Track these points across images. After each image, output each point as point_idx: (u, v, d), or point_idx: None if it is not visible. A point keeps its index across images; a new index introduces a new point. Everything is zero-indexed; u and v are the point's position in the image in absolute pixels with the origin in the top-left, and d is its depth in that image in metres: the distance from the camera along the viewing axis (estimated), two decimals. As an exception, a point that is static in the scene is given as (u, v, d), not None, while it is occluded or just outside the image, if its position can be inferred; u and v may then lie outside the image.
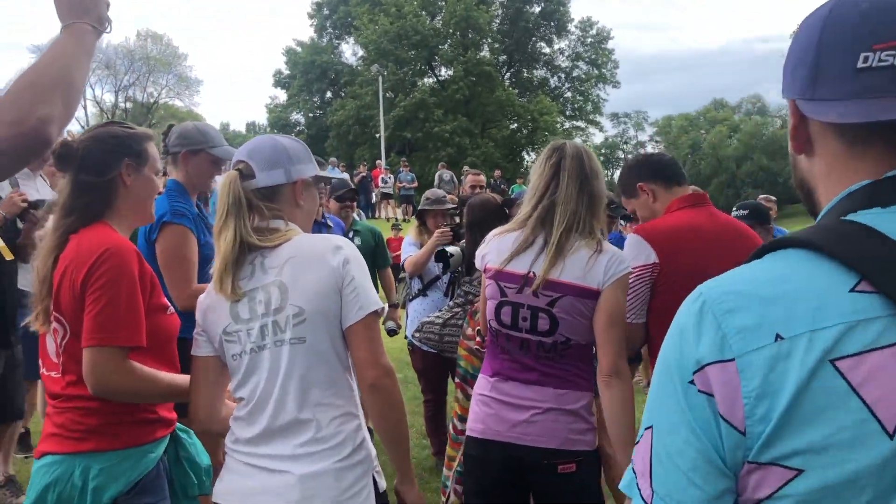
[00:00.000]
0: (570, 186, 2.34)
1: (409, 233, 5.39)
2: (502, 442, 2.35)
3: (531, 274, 2.33)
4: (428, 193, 5.50)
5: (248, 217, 1.88)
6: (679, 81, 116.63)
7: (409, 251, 5.23)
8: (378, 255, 5.44)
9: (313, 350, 1.82)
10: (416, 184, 23.28)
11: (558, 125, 46.23)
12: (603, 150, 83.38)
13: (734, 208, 7.64)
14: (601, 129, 62.83)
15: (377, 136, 39.41)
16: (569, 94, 50.59)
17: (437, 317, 4.14)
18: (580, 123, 51.64)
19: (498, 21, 47.54)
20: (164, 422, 2.14)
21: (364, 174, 23.02)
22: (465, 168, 19.77)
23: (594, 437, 2.42)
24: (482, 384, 2.48)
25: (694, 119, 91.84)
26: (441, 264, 4.49)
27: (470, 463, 2.48)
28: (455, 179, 24.86)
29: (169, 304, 2.17)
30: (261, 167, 1.93)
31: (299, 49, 47.33)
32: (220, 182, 1.91)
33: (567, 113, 50.05)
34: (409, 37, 42.86)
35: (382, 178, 22.67)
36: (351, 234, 5.22)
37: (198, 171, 3.31)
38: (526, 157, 48.15)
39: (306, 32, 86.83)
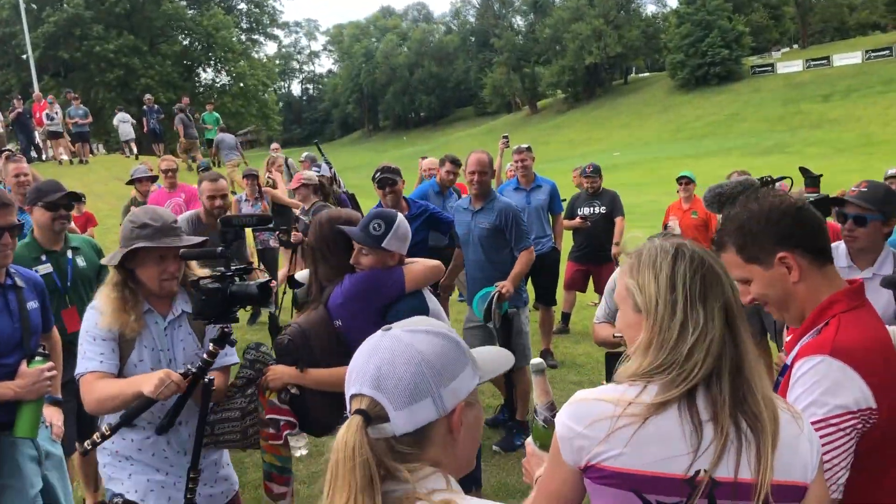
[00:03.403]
0: (748, 342, 1.52)
1: (98, 303, 2.71)
2: None
3: (700, 475, 1.43)
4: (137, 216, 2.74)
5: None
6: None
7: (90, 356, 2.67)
8: (103, 276, 4.41)
9: None
10: (90, 119, 20.52)
11: (234, 38, 43.54)
12: (277, 62, 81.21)
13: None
14: (278, 41, 60.83)
15: (24, 56, 33.97)
16: (243, 6, 47.74)
17: (229, 407, 2.99)
18: (257, 37, 49.23)
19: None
20: None
21: (20, 110, 19.68)
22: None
23: None
24: None
25: (364, 27, 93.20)
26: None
27: None
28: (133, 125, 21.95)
29: None
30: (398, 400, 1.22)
31: None
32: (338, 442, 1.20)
33: (243, 25, 47.33)
34: (48, -61, 36.96)
35: (47, 114, 19.54)
36: (70, 254, 4.17)
37: None
38: (203, 74, 45.08)
39: None
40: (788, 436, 1.45)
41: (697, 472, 1.41)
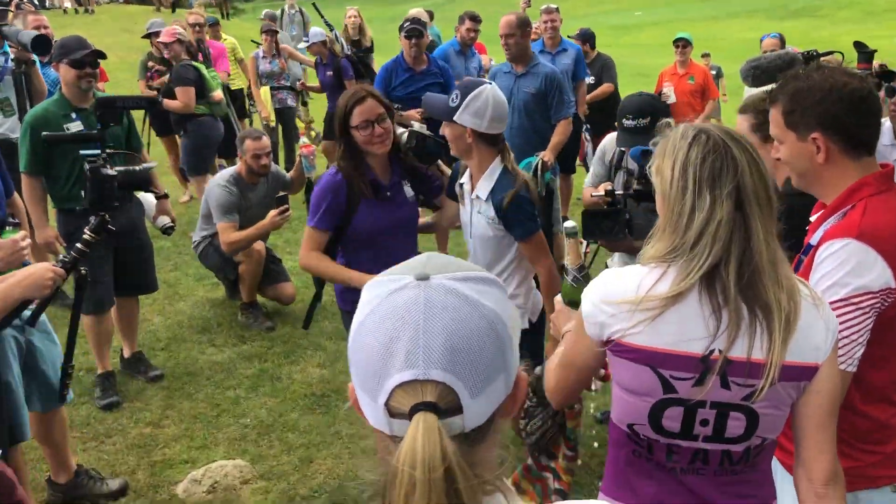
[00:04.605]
0: (762, 226, 1.50)
1: None
2: None
3: (715, 354, 1.49)
4: None
5: None
6: None
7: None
8: (132, 135, 4.40)
9: None
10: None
11: None
12: None
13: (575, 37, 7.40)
14: None
15: None
16: None
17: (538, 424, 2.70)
18: None
19: None
20: None
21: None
22: None
23: None
24: None
25: None
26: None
27: None
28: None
29: None
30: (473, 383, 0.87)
31: None
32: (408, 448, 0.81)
33: None
34: None
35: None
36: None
37: None
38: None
39: None
40: (805, 320, 1.50)
41: (712, 352, 1.49)
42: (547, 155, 5.12)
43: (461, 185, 3.10)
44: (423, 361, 0.84)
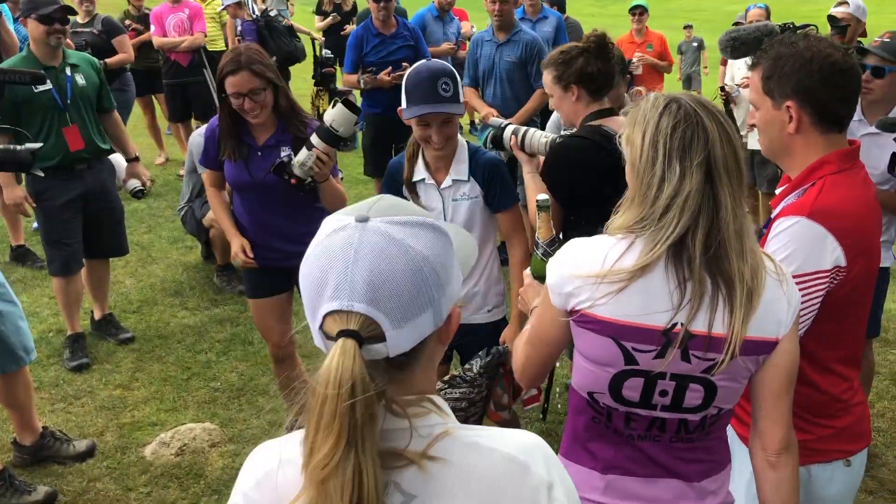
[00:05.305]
0: (731, 198, 1.48)
1: None
2: None
3: (677, 328, 1.50)
4: None
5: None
6: None
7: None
8: (104, 95, 4.33)
9: None
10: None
11: None
12: None
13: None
14: None
15: None
16: None
17: (457, 397, 2.82)
18: None
19: None
20: None
21: None
22: None
23: None
24: (587, 483, 1.68)
25: None
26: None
27: None
28: None
29: None
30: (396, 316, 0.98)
31: None
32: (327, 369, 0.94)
33: None
34: None
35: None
36: (69, 71, 4.05)
37: None
38: None
39: None
40: (769, 296, 1.50)
41: (674, 325, 1.49)
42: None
43: (418, 182, 2.81)
44: (348, 294, 0.96)
